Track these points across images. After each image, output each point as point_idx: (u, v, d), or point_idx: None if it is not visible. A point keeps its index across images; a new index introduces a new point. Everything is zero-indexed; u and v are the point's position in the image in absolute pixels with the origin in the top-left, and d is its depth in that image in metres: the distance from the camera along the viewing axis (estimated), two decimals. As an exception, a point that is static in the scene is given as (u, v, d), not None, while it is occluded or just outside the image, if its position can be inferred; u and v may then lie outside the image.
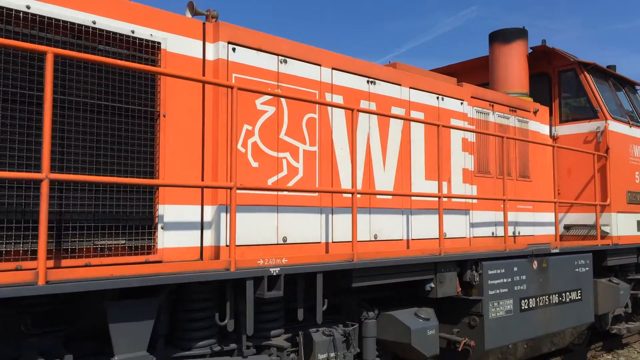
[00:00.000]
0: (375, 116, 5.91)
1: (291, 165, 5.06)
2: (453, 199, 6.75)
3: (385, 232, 5.89)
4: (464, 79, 8.06)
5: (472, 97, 7.34)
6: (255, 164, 4.78)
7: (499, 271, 6.14)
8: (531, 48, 8.89)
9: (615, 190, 8.33)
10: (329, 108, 5.43)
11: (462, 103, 7.05)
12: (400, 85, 6.25)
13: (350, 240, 5.51)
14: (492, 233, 7.43)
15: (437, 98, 6.71)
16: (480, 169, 7.30)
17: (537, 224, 8.24)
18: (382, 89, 6.04)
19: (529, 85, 8.94)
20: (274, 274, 4.04)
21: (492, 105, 7.65)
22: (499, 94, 7.91)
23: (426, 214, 6.41)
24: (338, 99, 5.55)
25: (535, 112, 8.43)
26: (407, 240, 6.17)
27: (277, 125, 4.99)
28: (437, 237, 6.51)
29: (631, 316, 10.26)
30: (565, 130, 8.80)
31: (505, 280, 6.21)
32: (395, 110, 6.17)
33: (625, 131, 8.82)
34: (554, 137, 8.85)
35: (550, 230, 8.47)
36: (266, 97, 4.88)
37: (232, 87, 4.03)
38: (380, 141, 5.97)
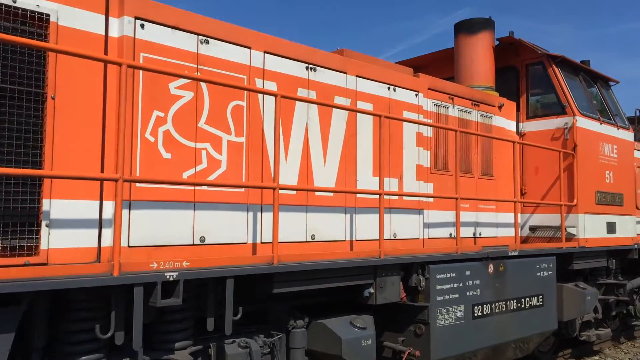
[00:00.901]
0: (316, 106, 5.43)
1: (212, 157, 4.57)
2: (405, 197, 6.28)
3: (324, 232, 5.41)
4: (431, 73, 7.61)
5: (429, 89, 6.88)
6: (167, 155, 4.28)
7: (448, 275, 5.68)
8: (498, 40, 8.45)
9: (583, 190, 7.91)
10: (260, 95, 4.93)
11: (417, 95, 6.58)
12: (345, 73, 5.77)
13: (285, 240, 5.05)
14: (450, 234, 6.98)
15: (389, 88, 6.23)
16: (437, 166, 6.85)
17: (501, 225, 7.80)
18: (324, 76, 5.56)
19: (496, 79, 8.50)
20: (171, 279, 3.55)
21: (452, 99, 7.19)
22: (460, 87, 7.45)
23: (374, 212, 5.94)
24: (271, 86, 5.06)
25: (500, 107, 7.99)
26: (351, 241, 5.69)
27: (196, 112, 4.49)
28: (389, 237, 6.08)
29: (602, 322, 9.87)
30: (533, 126, 8.37)
31: (456, 285, 5.75)
32: (339, 100, 5.69)
33: (595, 128, 8.40)
34: (521, 134, 8.42)
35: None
36: (183, 81, 4.38)
37: (120, 64, 3.53)
38: (321, 133, 5.49)
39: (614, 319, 10.69)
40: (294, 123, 5.23)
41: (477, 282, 6.04)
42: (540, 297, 6.94)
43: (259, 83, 4.97)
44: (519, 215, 8.22)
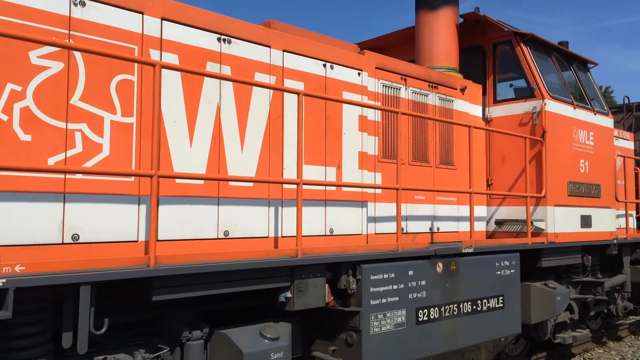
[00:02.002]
0: (231, 84, 4.74)
1: (89, 140, 3.88)
2: (344, 189, 5.60)
3: (241, 227, 4.73)
4: (396, 55, 6.93)
5: (377, 68, 6.18)
6: (26, 137, 3.59)
7: (386, 276, 5.00)
8: (461, 16, 7.74)
9: (552, 181, 7.22)
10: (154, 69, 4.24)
11: (360, 74, 5.88)
12: (269, 47, 5.07)
13: (189, 238, 4.38)
14: (402, 229, 6.30)
15: (324, 66, 5.54)
16: (387, 154, 6.16)
17: (463, 219, 7.12)
18: (242, 50, 4.86)
19: (462, 60, 7.81)
20: (-5, 286, 2.87)
21: (405, 80, 6.50)
22: (414, 67, 6.75)
23: (307, 205, 5.26)
24: (170, 59, 4.37)
25: (462, 90, 7.29)
26: (276, 238, 5.01)
27: (67, 86, 3.80)
28: (323, 233, 5.41)
29: (580, 323, 9.20)
30: (500, 111, 7.67)
31: (395, 286, 5.08)
32: (262, 78, 5.00)
33: (568, 113, 7.70)
34: (487, 120, 7.72)
35: (481, 226, 7.37)
36: (48, 49, 3.69)
37: None
38: (238, 115, 4.80)
39: (595, 319, 10.04)
40: (201, 102, 4.54)
41: (423, 282, 5.36)
42: (501, 298, 6.26)
43: (154, 54, 4.27)
44: (485, 208, 7.56)
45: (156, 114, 3.60)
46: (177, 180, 4.34)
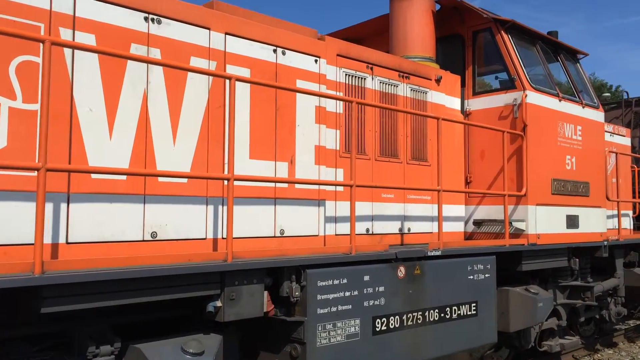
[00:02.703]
0: (161, 68, 4.28)
1: (-20, 129, 3.42)
2: (297, 186, 5.12)
3: (172, 228, 4.27)
4: (373, 46, 6.47)
5: (339, 55, 5.70)
6: None
7: (336, 282, 4.51)
8: (438, 2, 7.24)
9: (534, 178, 6.71)
10: (65, 50, 3.78)
11: (317, 61, 5.40)
12: (209, 29, 4.60)
13: (108, 240, 3.92)
14: (367, 230, 5.82)
15: (275, 51, 5.06)
16: (350, 148, 5.67)
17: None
18: (174, 31, 4.39)
19: (440, 49, 7.33)
20: None
21: (372, 68, 6.02)
22: (383, 55, 6.26)
23: (254, 204, 4.79)
24: (86, 39, 3.90)
25: (437, 81, 6.79)
26: (215, 239, 4.54)
27: (-47, 68, 3.34)
28: (272, 234, 4.94)
29: (571, 329, 8.68)
30: (480, 103, 7.17)
31: (348, 293, 4.59)
32: (198, 63, 4.53)
33: (552, 106, 7.18)
34: (466, 113, 7.22)
35: (458, 227, 6.87)
36: None
37: None
38: (169, 104, 4.33)
39: (587, 325, 9.51)
40: (123, 88, 4.07)
41: (381, 289, 4.87)
42: (474, 304, 5.76)
43: (65, 34, 3.81)
44: (463, 207, 7.05)
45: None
46: (93, 176, 3.88)
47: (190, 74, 4.42)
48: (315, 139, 5.33)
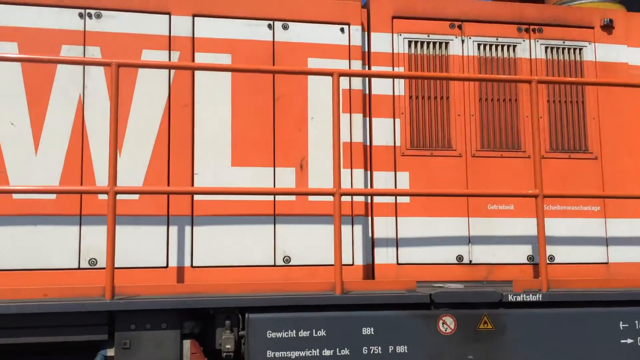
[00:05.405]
0: (101, 68, 3.70)
1: None
2: (311, 198, 3.81)
3: (122, 255, 3.55)
4: None
5: (397, 17, 4.16)
6: None
7: (304, 333, 3.07)
8: None
9: None
10: (-20, 62, 3.56)
11: (343, 30, 4.00)
12: (168, 13, 3.82)
13: (28, 267, 3.52)
14: (459, 257, 4.01)
15: (271, 26, 3.93)
16: (418, 143, 4.06)
17: (617, 241, 4.20)
18: (119, 24, 3.76)
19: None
20: None
21: (460, 27, 4.23)
22: (483, 4, 4.34)
23: (238, 223, 3.74)
24: (8, 47, 3.60)
25: (605, 27, 4.40)
26: (180, 268, 3.65)
27: None
28: (272, 263, 3.81)
29: None
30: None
31: (328, 352, 3.07)
32: (152, 55, 3.77)
33: None
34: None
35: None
36: None
37: None
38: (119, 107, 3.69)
39: None
40: (52, 95, 3.62)
41: (403, 349, 3.14)
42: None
43: (-17, 47, 3.59)
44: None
45: None
46: (15, 196, 3.50)
47: (145, 71, 3.71)
48: (344, 133, 3.91)
